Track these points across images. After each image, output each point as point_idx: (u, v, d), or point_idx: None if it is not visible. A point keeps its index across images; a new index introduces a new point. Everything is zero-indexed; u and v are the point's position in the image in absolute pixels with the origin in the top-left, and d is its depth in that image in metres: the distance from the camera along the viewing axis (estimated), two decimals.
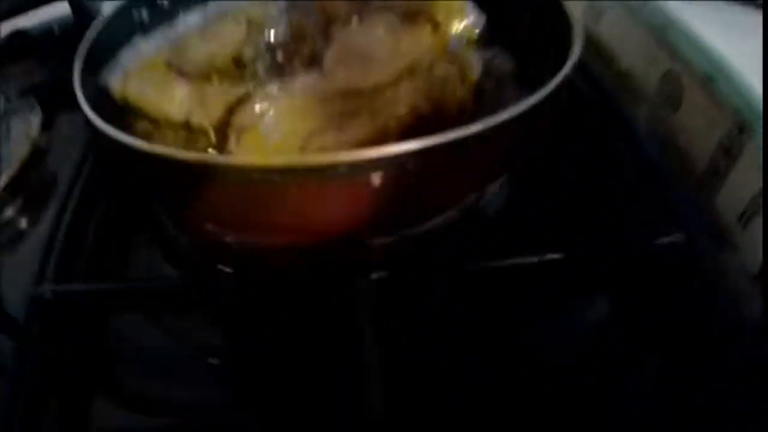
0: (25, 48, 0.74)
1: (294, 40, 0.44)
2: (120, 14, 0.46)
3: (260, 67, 0.42)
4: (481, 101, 0.40)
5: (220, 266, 0.41)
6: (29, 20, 0.77)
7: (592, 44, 0.59)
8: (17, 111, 0.60)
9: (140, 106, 0.43)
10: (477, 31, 0.43)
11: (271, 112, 0.39)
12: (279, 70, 0.43)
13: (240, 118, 0.40)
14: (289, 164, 0.30)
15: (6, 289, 0.41)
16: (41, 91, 0.61)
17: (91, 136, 0.49)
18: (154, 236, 0.46)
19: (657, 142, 0.49)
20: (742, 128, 0.41)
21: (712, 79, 0.43)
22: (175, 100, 0.41)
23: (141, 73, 0.43)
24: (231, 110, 0.41)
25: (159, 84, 0.42)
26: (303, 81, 0.41)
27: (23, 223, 0.51)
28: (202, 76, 0.42)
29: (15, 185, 0.53)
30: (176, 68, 0.42)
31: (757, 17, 0.46)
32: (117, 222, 0.48)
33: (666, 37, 0.49)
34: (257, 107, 0.40)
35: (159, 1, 0.48)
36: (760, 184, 0.40)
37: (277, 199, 0.31)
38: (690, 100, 0.47)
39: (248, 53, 0.42)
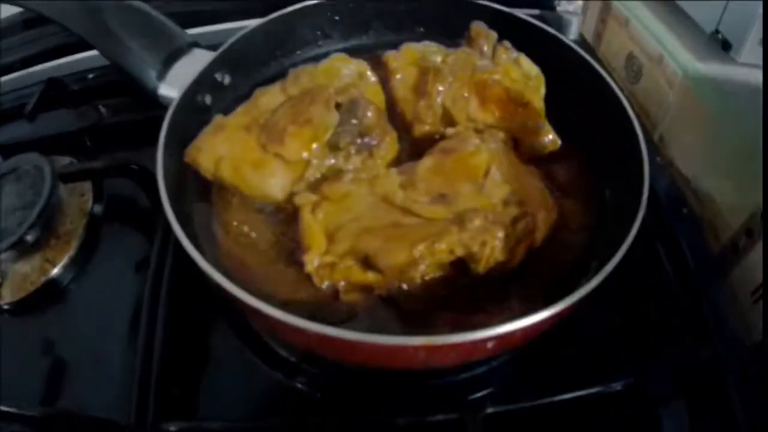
0: (60, 97, 0.75)
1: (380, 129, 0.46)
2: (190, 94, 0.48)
3: (353, 149, 0.45)
4: None
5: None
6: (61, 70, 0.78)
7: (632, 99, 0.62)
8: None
9: (236, 185, 0.44)
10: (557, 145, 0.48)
11: (353, 196, 0.42)
12: (369, 153, 0.45)
13: (330, 189, 0.42)
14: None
15: None
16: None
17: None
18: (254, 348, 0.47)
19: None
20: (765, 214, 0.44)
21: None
22: (276, 182, 0.43)
23: (234, 153, 0.45)
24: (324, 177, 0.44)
25: (256, 165, 0.44)
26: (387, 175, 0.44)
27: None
28: (301, 160, 0.43)
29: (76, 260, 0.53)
30: (273, 151, 0.44)
31: None
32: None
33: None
34: (346, 183, 0.42)
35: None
36: None
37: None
38: None
39: (344, 139, 0.44)
